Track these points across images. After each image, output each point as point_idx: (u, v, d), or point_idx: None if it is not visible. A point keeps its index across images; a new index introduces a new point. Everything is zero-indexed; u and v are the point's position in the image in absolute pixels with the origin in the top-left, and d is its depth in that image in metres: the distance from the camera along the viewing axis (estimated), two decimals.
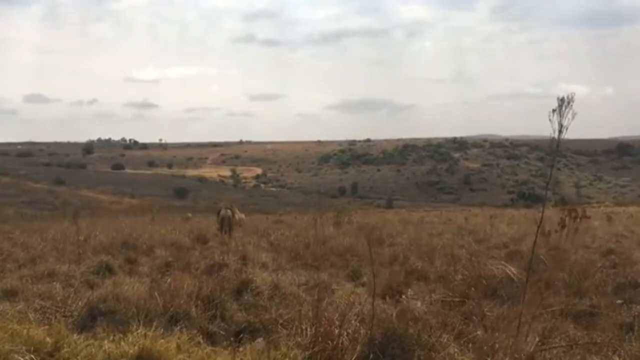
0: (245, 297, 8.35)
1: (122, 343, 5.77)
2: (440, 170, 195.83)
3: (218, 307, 7.54)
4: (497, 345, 5.82)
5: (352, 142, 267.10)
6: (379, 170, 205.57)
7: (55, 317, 7.23)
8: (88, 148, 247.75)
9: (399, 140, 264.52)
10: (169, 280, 8.54)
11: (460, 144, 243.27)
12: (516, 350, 5.63)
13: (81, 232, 16.41)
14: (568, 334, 6.86)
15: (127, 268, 11.71)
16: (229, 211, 20.75)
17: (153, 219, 32.78)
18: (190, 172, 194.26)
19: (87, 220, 27.16)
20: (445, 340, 6.09)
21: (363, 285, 10.01)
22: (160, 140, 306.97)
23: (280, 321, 6.79)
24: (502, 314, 7.19)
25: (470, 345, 6.13)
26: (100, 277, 10.25)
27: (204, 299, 7.62)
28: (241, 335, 6.68)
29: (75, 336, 6.11)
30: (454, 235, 18.54)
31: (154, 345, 5.65)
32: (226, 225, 20.10)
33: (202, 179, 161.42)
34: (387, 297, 8.08)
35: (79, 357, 5.57)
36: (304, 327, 6.15)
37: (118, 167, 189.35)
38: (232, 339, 6.51)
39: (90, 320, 7.16)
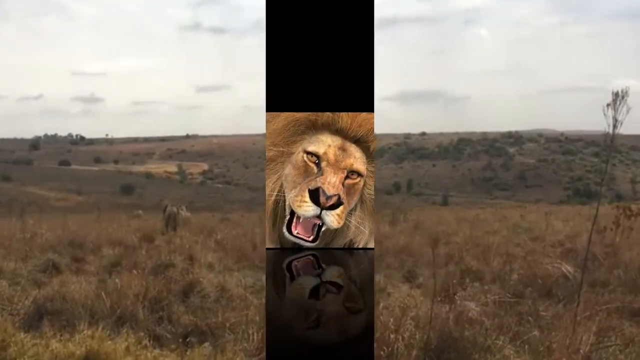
0: (192, 299, 8.33)
1: (70, 344, 5.83)
2: (495, 165, 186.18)
3: (165, 309, 7.54)
4: (553, 346, 5.85)
5: (408, 136, 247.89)
6: (434, 165, 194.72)
7: (2, 315, 7.20)
8: (34, 144, 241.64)
9: (455, 133, 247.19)
10: (116, 280, 8.53)
11: (515, 139, 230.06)
12: (572, 350, 5.60)
13: (28, 229, 16.24)
14: (624, 332, 6.79)
15: (74, 267, 11.64)
16: (174, 208, 20.80)
17: (99, 216, 32.37)
18: (137, 168, 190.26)
19: (34, 218, 26.69)
20: (501, 342, 6.08)
21: (419, 287, 9.85)
22: (107, 135, 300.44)
23: (227, 325, 6.79)
24: (557, 314, 7.19)
25: (526, 346, 6.13)
26: (47, 276, 10.20)
27: (150, 300, 7.63)
28: (188, 339, 6.64)
29: (22, 335, 6.12)
30: (509, 233, 18.45)
31: (101, 347, 5.69)
32: (172, 222, 20.16)
33: (148, 175, 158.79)
34: (443, 299, 7.73)
35: (25, 357, 5.59)
36: (250, 332, 6.20)
37: (65, 163, 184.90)
38: (179, 342, 6.58)
39: (37, 319, 7.15)
